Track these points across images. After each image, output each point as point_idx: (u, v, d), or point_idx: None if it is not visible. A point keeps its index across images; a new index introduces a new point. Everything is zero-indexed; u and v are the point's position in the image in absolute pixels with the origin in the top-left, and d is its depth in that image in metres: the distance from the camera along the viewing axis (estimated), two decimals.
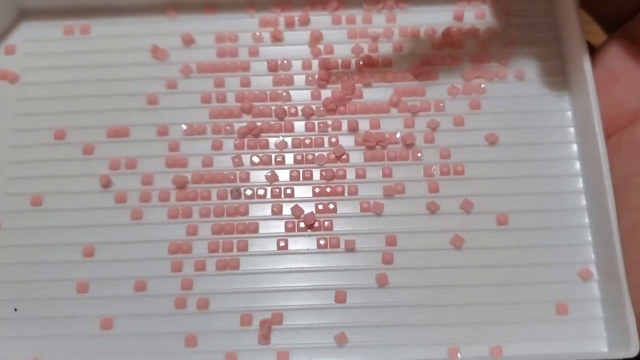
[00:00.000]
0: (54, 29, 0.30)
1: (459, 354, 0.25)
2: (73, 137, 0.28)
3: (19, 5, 0.29)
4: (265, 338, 0.25)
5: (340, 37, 0.29)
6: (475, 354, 0.25)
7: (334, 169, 0.27)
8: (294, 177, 0.27)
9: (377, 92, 0.28)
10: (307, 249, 0.26)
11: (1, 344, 0.25)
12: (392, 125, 0.28)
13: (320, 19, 0.29)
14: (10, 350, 0.25)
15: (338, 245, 0.26)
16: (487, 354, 0.25)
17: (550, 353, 0.24)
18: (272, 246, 0.26)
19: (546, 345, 0.25)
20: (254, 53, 0.29)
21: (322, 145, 0.28)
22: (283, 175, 0.27)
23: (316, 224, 0.26)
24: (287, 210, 0.27)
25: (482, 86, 0.28)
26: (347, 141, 0.28)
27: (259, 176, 0.27)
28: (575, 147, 0.27)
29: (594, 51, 0.27)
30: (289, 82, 0.29)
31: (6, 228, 0.27)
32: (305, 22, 0.29)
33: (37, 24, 0.30)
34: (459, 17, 0.29)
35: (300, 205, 0.27)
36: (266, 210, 0.27)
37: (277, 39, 0.29)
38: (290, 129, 0.28)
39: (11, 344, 0.25)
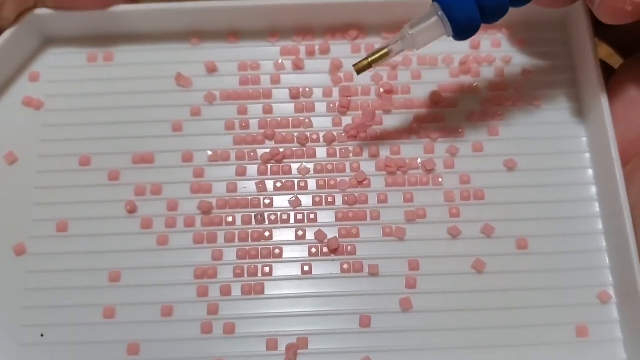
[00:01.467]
0: (78, 56, 0.30)
1: None
2: (98, 163, 0.28)
3: (43, 33, 0.30)
4: None
5: None
6: None
7: (356, 194, 0.28)
8: (316, 202, 0.28)
9: (397, 119, 0.29)
10: (331, 273, 0.27)
11: None
12: (413, 151, 0.28)
13: (340, 47, 0.30)
14: None
15: (361, 270, 0.27)
16: None
17: None
18: (296, 271, 0.27)
19: None
20: (275, 81, 0.30)
21: (343, 170, 0.28)
22: (306, 200, 0.28)
23: (340, 249, 0.27)
24: (310, 235, 0.27)
25: (500, 113, 0.29)
26: (368, 167, 0.28)
27: (282, 201, 0.28)
28: (591, 172, 0.28)
29: (610, 75, 0.28)
30: (311, 109, 0.29)
31: (32, 254, 0.27)
32: (325, 51, 0.30)
33: (60, 51, 0.30)
34: (475, 46, 0.30)
35: (324, 230, 0.27)
36: (290, 235, 0.27)
37: (298, 67, 0.30)
38: (313, 155, 0.28)
39: None
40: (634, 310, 0.25)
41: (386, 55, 0.25)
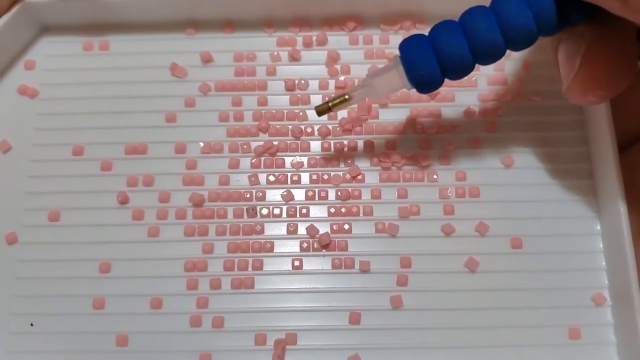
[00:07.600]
0: (74, 45, 0.30)
1: None
2: (91, 153, 0.28)
3: (39, 22, 0.30)
4: (279, 358, 0.25)
5: (357, 57, 0.29)
6: None
7: (350, 189, 0.27)
8: (309, 197, 0.27)
9: (393, 113, 0.29)
10: (322, 269, 0.26)
11: (17, 358, 0.25)
12: (408, 146, 0.28)
13: (337, 39, 0.30)
14: None
15: (353, 266, 0.26)
16: None
17: None
18: (287, 266, 0.26)
19: None
20: (271, 72, 0.29)
21: (337, 165, 0.28)
22: (299, 194, 0.27)
23: (331, 244, 0.27)
24: (302, 229, 0.27)
25: (498, 108, 0.28)
26: (362, 161, 0.28)
27: (275, 195, 0.27)
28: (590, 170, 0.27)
29: None
30: (306, 101, 0.29)
31: (23, 242, 0.27)
32: (322, 42, 0.30)
33: (56, 39, 0.30)
34: None
35: (316, 225, 0.27)
36: (281, 229, 0.27)
37: (294, 58, 0.29)
38: (307, 149, 0.28)
39: (27, 359, 0.25)
40: (628, 313, 0.24)
41: (346, 101, 0.25)
